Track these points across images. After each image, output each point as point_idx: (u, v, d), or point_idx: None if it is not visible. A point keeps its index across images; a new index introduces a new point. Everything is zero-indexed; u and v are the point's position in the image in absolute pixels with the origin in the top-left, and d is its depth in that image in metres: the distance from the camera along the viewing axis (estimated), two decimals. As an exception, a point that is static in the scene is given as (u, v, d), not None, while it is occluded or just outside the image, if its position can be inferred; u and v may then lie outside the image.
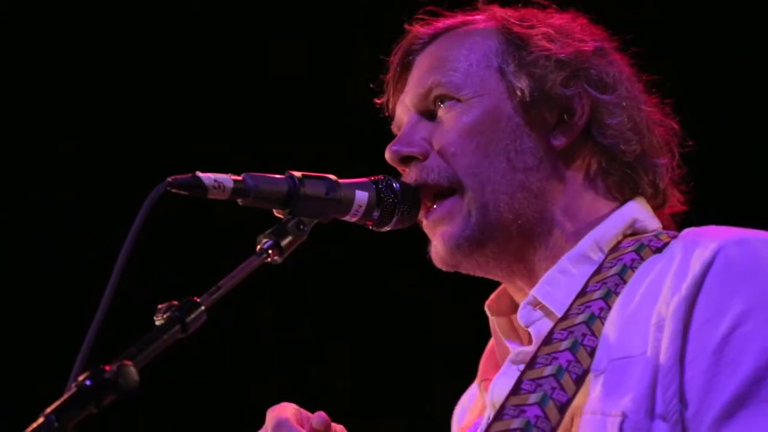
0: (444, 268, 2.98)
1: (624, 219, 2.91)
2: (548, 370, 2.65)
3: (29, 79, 5.56)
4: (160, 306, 2.39)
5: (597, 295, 2.74)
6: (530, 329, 2.87)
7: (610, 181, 2.95)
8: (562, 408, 2.61)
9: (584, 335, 2.68)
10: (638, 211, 2.93)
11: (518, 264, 2.93)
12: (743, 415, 2.51)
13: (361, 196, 2.87)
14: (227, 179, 2.62)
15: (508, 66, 2.94)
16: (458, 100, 2.95)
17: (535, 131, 2.92)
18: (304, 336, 5.65)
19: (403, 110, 3.04)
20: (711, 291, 2.59)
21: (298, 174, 2.76)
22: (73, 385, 2.14)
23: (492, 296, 3.06)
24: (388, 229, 2.96)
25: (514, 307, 2.98)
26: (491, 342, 3.07)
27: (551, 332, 2.73)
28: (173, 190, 2.51)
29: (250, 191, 2.66)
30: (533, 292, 2.86)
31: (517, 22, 2.98)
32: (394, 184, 2.92)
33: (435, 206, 2.94)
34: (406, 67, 3.09)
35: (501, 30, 2.98)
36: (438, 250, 2.95)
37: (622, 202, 2.94)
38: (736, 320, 2.56)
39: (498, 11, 3.04)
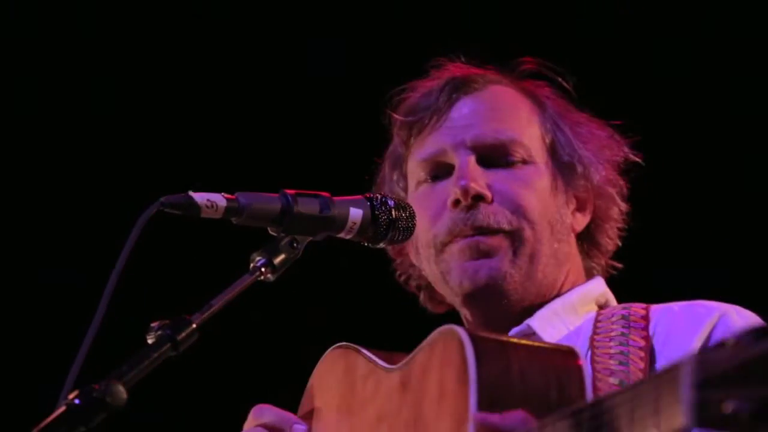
0: (464, 291, 3.12)
1: (599, 288, 3.23)
2: (612, 380, 2.81)
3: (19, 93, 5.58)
4: (152, 324, 2.42)
5: (614, 333, 2.95)
6: None
7: (583, 264, 3.26)
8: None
9: (627, 358, 2.86)
10: (606, 287, 3.25)
11: (517, 315, 3.12)
12: None
13: (356, 214, 2.88)
14: (220, 198, 2.64)
15: (565, 146, 3.20)
16: (528, 162, 3.17)
17: (569, 210, 3.21)
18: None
19: (453, 146, 3.18)
20: None
21: (291, 192, 2.77)
22: (63, 403, 2.17)
23: None
24: (383, 246, 2.98)
25: None
26: None
27: (593, 355, 2.90)
28: (166, 210, 2.53)
29: (243, 210, 2.67)
30: (528, 321, 3.08)
31: (562, 110, 3.26)
32: (388, 201, 2.92)
33: (481, 237, 3.10)
34: (448, 102, 3.22)
35: (551, 112, 3.25)
36: (478, 277, 3.09)
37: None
38: None
39: (545, 91, 3.29)
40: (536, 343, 2.64)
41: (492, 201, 3.11)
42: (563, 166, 3.20)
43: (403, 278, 3.42)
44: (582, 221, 3.23)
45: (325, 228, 2.82)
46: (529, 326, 3.07)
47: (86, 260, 4.40)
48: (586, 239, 3.26)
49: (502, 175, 3.15)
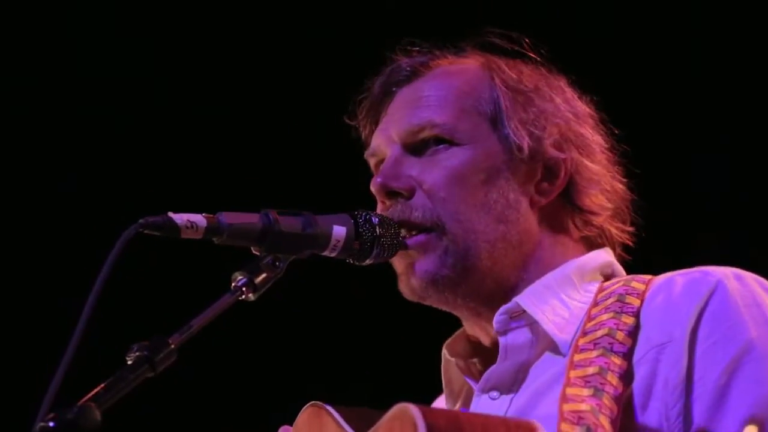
0: (411, 299, 3.01)
1: (602, 258, 3.03)
2: (591, 370, 2.70)
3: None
4: (133, 345, 2.43)
5: (605, 317, 2.81)
6: (501, 339, 2.91)
7: (579, 236, 3.05)
8: (617, 399, 2.66)
9: (611, 344, 2.74)
10: (611, 257, 3.05)
11: (485, 307, 2.97)
12: None
13: (339, 231, 2.88)
14: (200, 219, 2.64)
15: (507, 120, 2.99)
16: (451, 143, 2.99)
17: (520, 186, 3.00)
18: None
19: (385, 141, 3.06)
20: (715, 317, 2.72)
21: (273, 211, 2.78)
22: (39, 427, 2.18)
23: (450, 339, 3.11)
24: (369, 263, 2.98)
25: (470, 350, 3.06)
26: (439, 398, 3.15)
27: (576, 344, 2.77)
28: (146, 232, 2.54)
29: (223, 230, 2.68)
30: (516, 299, 2.92)
31: (515, 76, 3.05)
32: (372, 219, 2.93)
33: (410, 236, 2.96)
34: (387, 96, 3.11)
35: (496, 81, 3.04)
36: (411, 283, 2.97)
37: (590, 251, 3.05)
38: (745, 346, 2.68)
39: (491, 60, 3.09)
40: (496, 418, 2.50)
41: (413, 195, 2.96)
42: (505, 140, 2.99)
43: None
44: (550, 190, 3.01)
45: (308, 246, 2.83)
46: (517, 304, 2.90)
47: (66, 281, 4.40)
48: (571, 205, 3.04)
49: (425, 164, 2.98)
